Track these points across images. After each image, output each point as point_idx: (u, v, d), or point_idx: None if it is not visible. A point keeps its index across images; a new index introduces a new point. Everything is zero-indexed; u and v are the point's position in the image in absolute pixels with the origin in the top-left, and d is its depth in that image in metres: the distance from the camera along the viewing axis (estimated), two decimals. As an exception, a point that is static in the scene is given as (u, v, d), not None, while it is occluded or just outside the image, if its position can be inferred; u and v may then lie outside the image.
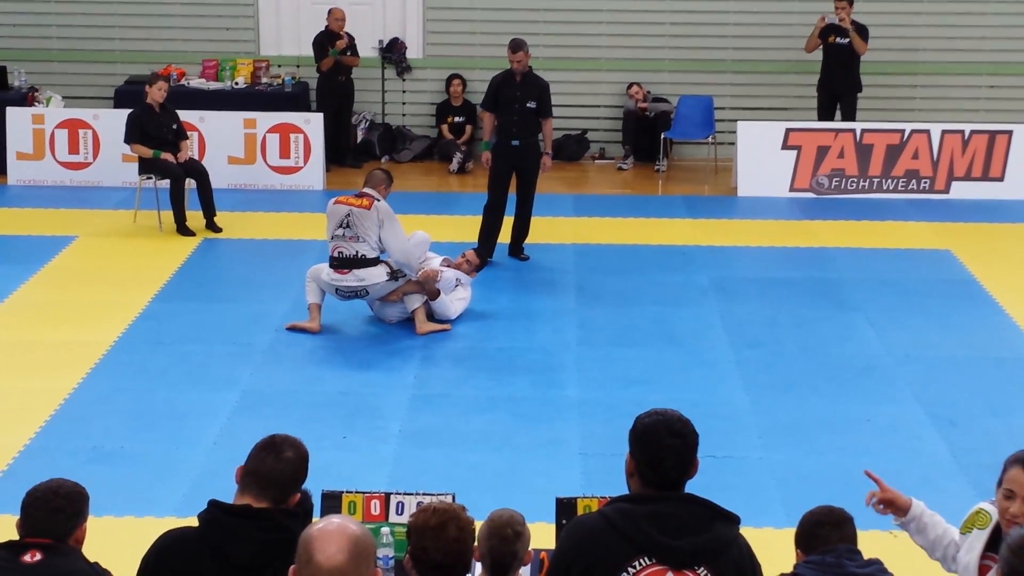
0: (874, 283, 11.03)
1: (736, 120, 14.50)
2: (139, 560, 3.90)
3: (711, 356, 9.40)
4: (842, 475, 7.57)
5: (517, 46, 11.13)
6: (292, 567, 3.19)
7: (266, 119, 13.82)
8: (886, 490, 4.68)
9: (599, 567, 3.67)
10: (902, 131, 13.94)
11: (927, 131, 13.92)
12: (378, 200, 9.60)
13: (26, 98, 14.28)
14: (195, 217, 12.21)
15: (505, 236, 11.50)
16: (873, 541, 5.97)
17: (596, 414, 8.37)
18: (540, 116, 11.27)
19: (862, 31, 14.11)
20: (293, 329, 9.72)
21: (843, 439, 8.09)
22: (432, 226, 11.19)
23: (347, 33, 14.48)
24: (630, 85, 15.07)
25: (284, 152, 13.85)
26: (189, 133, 12.90)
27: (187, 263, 11.35)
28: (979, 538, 4.38)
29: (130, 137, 12.20)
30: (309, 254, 11.11)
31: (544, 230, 12.04)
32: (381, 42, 15.34)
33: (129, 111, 12.41)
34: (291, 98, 14.65)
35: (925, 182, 13.90)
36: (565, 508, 5.05)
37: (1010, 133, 13.93)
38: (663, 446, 3.71)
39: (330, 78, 14.47)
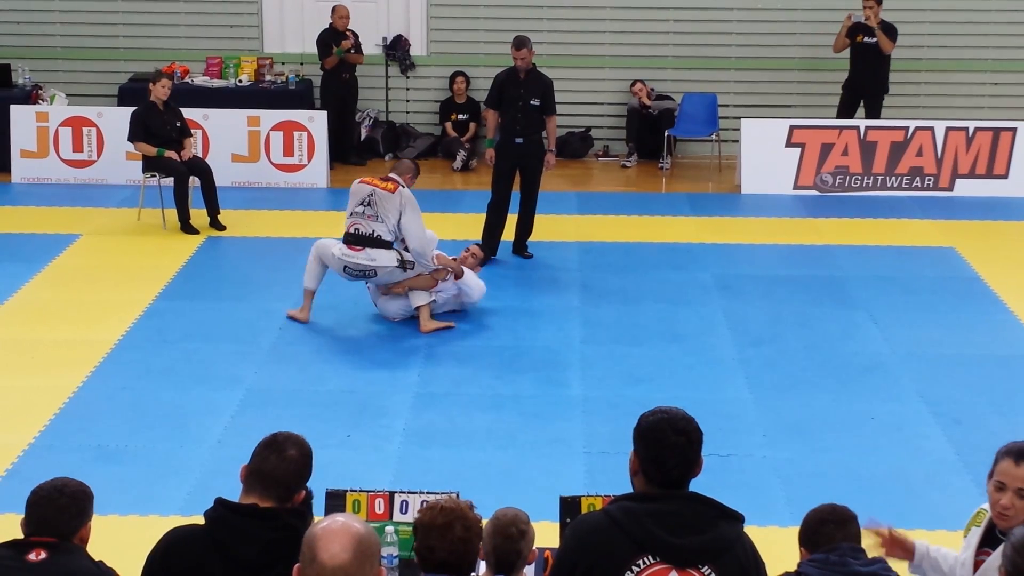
0: (878, 281, 11.02)
1: (740, 117, 14.49)
2: (144, 559, 3.90)
3: (715, 354, 9.40)
4: (846, 473, 7.58)
5: (521, 43, 11.12)
6: (296, 566, 3.19)
7: (270, 117, 13.83)
8: (892, 533, 4.66)
9: (603, 566, 3.66)
10: (906, 128, 13.93)
11: (931, 128, 13.91)
12: (403, 187, 9.63)
13: (30, 96, 14.28)
14: (199, 215, 12.22)
15: (509, 234, 11.50)
16: (876, 540, 5.97)
17: (600, 412, 8.36)
18: (544, 113, 11.27)
19: (890, 30, 14.08)
20: (292, 319, 9.83)
21: (847, 437, 8.09)
22: (436, 224, 11.19)
23: (351, 31, 14.49)
24: (634, 82, 15.06)
25: (288, 150, 13.85)
26: (193, 131, 12.90)
27: (191, 261, 11.35)
28: (975, 535, 4.38)
29: (134, 135, 12.20)
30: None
31: (548, 228, 12.04)
32: (385, 39, 15.34)
33: (133, 109, 12.42)
34: (295, 96, 14.65)
35: (929, 179, 13.89)
36: (569, 507, 5.05)
37: (1014, 130, 13.93)
38: (667, 444, 3.71)
39: (334, 76, 14.47)
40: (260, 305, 10.24)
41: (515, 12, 15.07)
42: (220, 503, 3.86)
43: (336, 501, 5.09)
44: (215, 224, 12.21)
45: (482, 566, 4.44)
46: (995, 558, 4.04)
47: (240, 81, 14.78)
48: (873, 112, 14.29)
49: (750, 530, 3.82)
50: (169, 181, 12.15)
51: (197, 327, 9.78)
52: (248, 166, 13.78)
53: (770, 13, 15.11)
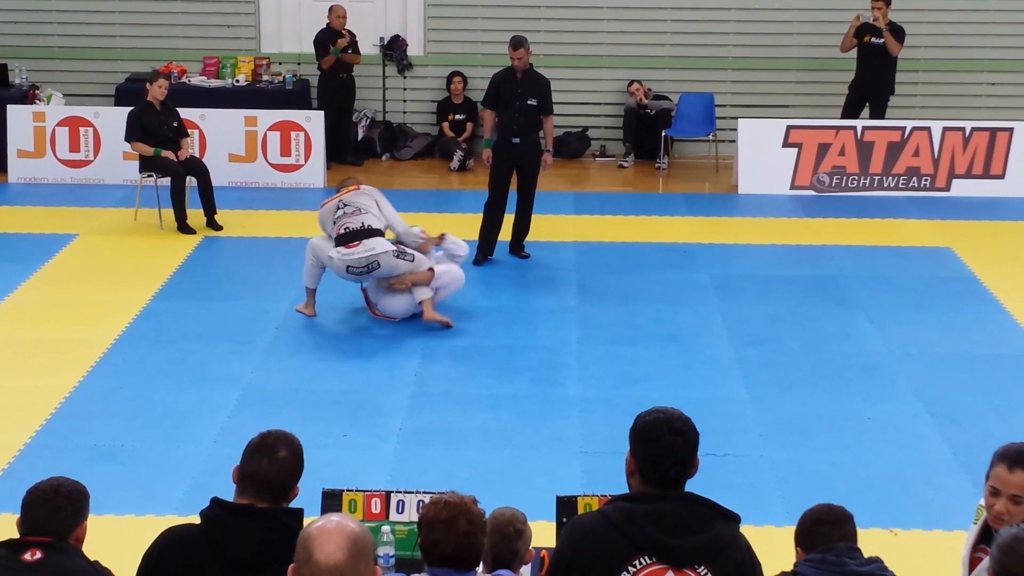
0: (875, 281, 11.03)
1: (737, 117, 14.49)
2: (139, 559, 3.89)
3: (712, 354, 9.40)
4: (843, 473, 7.58)
5: (518, 43, 11.12)
6: (291, 565, 3.19)
7: (267, 117, 13.82)
8: None
9: (599, 566, 3.66)
10: (903, 128, 13.93)
11: (928, 128, 13.92)
12: (363, 184, 9.96)
13: (27, 96, 14.27)
14: (196, 215, 12.21)
15: (506, 234, 11.49)
16: (873, 539, 6.00)
17: (597, 412, 8.36)
18: (541, 113, 11.26)
19: (897, 32, 14.08)
20: (299, 312, 9.97)
21: (844, 437, 8.09)
22: (433, 224, 11.19)
23: (348, 30, 14.48)
24: (631, 82, 15.06)
25: (285, 150, 13.84)
26: (190, 131, 12.90)
27: (188, 261, 11.35)
28: (973, 532, 4.38)
29: (131, 135, 12.20)
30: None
31: (545, 228, 12.04)
32: (382, 39, 15.34)
33: (130, 109, 12.41)
34: (292, 96, 14.65)
35: (926, 179, 13.89)
36: (565, 506, 5.05)
37: (1011, 130, 13.93)
38: (664, 444, 3.71)
39: (331, 75, 14.46)
40: (257, 305, 10.24)
41: (512, 12, 15.07)
42: (216, 502, 3.86)
43: (333, 501, 5.09)
44: (212, 224, 12.21)
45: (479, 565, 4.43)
46: (988, 559, 4.04)
47: (237, 81, 14.77)
48: (878, 113, 14.29)
49: (746, 530, 3.82)
50: (166, 181, 12.14)
51: (194, 327, 9.77)
52: (245, 166, 13.77)
53: (767, 13, 15.11)
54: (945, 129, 13.90)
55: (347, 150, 14.79)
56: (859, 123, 14.06)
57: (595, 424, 8.18)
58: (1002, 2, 15.10)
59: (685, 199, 13.70)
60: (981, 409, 8.51)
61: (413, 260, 9.69)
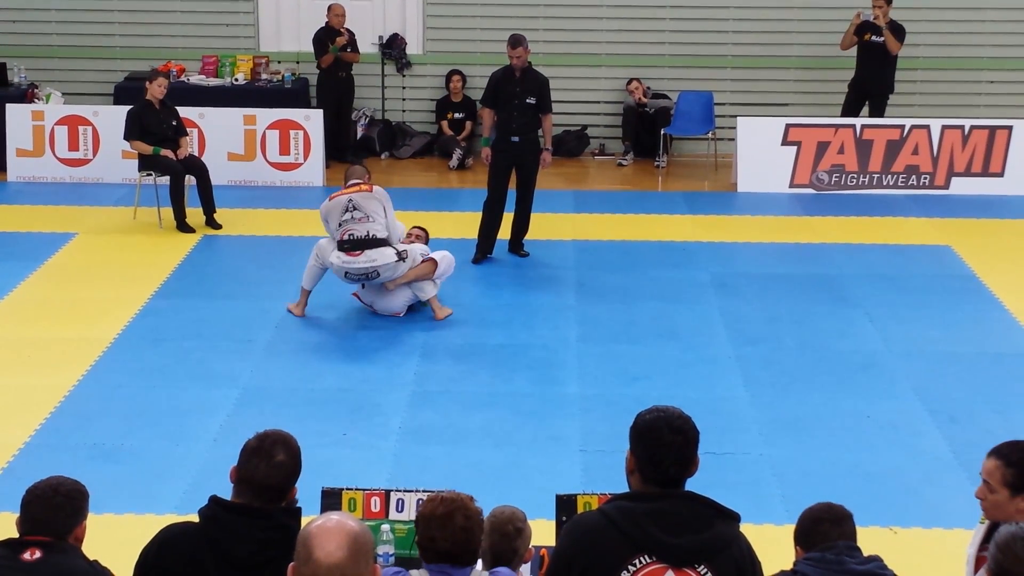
0: (874, 279, 11.03)
1: (736, 116, 14.48)
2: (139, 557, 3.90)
3: (711, 352, 9.40)
4: (842, 471, 7.58)
5: (517, 42, 11.12)
6: (291, 564, 3.19)
7: (266, 115, 13.82)
8: None
9: (599, 565, 3.66)
10: (902, 127, 13.93)
11: (927, 126, 13.92)
12: (374, 185, 9.84)
13: (26, 95, 14.27)
14: (195, 214, 12.21)
15: (505, 232, 11.49)
16: (872, 538, 6.00)
17: (596, 410, 8.36)
18: (540, 112, 11.26)
19: (898, 31, 14.08)
20: (290, 312, 9.96)
21: (843, 435, 8.09)
22: (432, 222, 11.21)
23: (347, 29, 14.48)
24: (630, 81, 15.06)
25: (284, 148, 13.84)
26: (189, 130, 12.89)
27: (187, 260, 11.35)
28: (979, 531, 4.39)
29: (130, 134, 12.20)
30: (309, 251, 11.08)
31: (544, 226, 12.04)
32: (381, 38, 15.33)
33: (129, 108, 12.41)
34: (291, 94, 14.65)
35: (925, 178, 13.89)
36: (565, 505, 5.04)
37: (1010, 128, 13.93)
38: (664, 443, 3.71)
39: (330, 74, 14.46)
40: (256, 303, 10.24)
41: (511, 11, 15.07)
42: (215, 501, 3.86)
43: (332, 499, 5.09)
44: (211, 223, 12.21)
45: (478, 563, 4.43)
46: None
47: (236, 80, 14.77)
48: (877, 112, 14.28)
49: (746, 528, 3.82)
50: (165, 180, 12.14)
51: (193, 325, 9.77)
52: (244, 165, 13.77)
53: (766, 11, 15.11)
54: (944, 127, 13.90)
55: (346, 149, 14.79)
56: (858, 121, 14.06)
57: (595, 423, 8.18)
58: (1001, 1, 15.10)
59: (684, 197, 13.69)
60: (980, 407, 8.51)
61: (408, 256, 9.70)
